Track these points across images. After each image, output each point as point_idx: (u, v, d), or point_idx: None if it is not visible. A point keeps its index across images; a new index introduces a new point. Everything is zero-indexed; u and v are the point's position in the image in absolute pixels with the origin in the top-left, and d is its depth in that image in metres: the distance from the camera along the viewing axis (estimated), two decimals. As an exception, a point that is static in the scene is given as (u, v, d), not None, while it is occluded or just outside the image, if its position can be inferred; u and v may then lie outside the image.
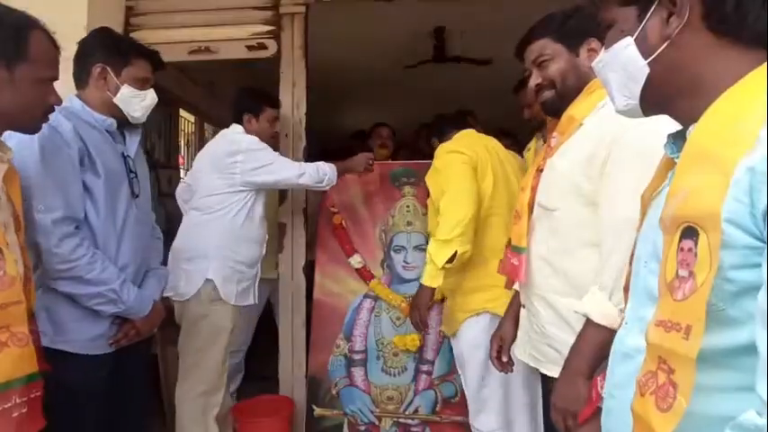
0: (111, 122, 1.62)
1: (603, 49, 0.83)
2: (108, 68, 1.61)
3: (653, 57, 0.74)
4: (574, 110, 1.33)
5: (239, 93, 2.52)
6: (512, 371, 1.66)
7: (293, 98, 2.66)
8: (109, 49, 1.63)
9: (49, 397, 1.44)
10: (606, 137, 1.25)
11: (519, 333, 1.53)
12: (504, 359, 1.62)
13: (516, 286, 1.57)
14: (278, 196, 2.77)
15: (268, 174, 2.27)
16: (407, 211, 2.78)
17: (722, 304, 0.58)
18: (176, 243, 2.28)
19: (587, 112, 1.30)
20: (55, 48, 1.30)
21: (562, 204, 1.34)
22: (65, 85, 2.18)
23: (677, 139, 0.79)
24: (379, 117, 4.13)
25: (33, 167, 1.42)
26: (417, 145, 3.74)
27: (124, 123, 1.68)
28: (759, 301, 0.54)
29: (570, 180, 1.31)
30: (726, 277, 0.57)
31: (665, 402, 0.60)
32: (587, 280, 1.27)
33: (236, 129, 2.39)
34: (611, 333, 1.09)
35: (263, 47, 2.71)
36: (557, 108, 1.39)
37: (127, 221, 1.62)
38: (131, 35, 2.66)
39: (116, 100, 1.61)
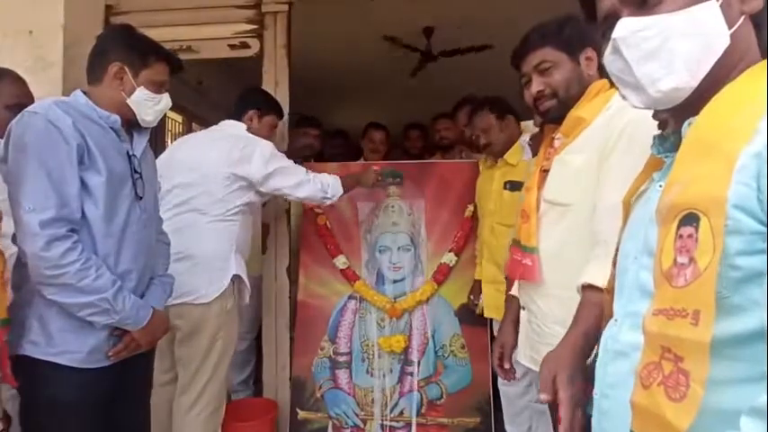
0: (116, 119, 1.52)
1: (653, 13, 0.71)
2: (126, 68, 1.53)
3: (735, 28, 0.68)
4: (581, 111, 1.36)
5: (252, 89, 2.49)
6: (514, 378, 1.60)
7: (276, 97, 2.63)
8: (129, 49, 1.54)
9: (43, 412, 1.41)
10: (615, 131, 1.26)
11: (519, 337, 1.51)
12: (506, 366, 1.54)
13: (514, 290, 1.56)
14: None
15: (281, 180, 2.20)
16: (392, 212, 2.76)
17: (726, 291, 0.57)
18: (189, 247, 2.07)
19: (596, 113, 1.33)
20: None
21: (578, 198, 1.33)
22: (51, 83, 2.15)
23: (663, 140, 0.79)
24: (367, 117, 4.10)
25: (25, 164, 1.32)
26: (404, 146, 3.72)
27: (133, 124, 1.60)
28: None
29: (587, 174, 1.32)
30: (732, 264, 0.57)
31: (677, 392, 0.58)
32: None
33: (239, 127, 2.29)
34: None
35: (245, 46, 2.69)
36: (558, 116, 1.40)
37: (129, 224, 1.50)
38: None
39: (130, 101, 1.54)
